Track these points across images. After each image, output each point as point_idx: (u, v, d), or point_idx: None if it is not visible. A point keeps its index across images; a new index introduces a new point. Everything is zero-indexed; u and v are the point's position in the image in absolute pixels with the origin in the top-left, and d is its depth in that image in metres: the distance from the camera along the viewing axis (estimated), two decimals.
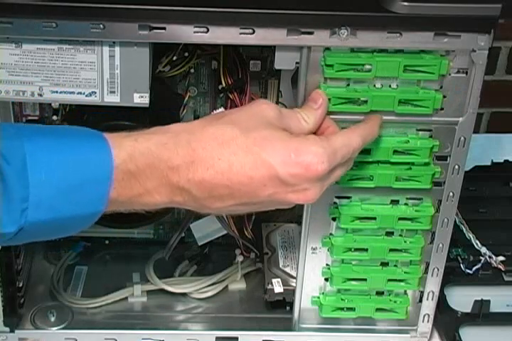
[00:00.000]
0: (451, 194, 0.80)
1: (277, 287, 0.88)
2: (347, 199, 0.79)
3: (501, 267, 0.95)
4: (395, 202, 0.80)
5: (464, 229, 0.97)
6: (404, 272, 0.83)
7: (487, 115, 1.55)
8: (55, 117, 0.89)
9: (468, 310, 0.90)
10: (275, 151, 0.65)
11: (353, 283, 0.83)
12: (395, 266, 0.83)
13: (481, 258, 0.95)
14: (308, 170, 0.65)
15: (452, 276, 0.93)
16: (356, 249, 0.81)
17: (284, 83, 0.88)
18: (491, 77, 1.47)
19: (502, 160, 1.11)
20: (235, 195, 0.65)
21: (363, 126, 0.73)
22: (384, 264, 0.82)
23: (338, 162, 0.68)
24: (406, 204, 0.80)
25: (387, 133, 0.76)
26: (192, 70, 0.88)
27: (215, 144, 0.65)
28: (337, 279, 0.83)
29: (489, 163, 1.10)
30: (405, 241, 0.81)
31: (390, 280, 0.83)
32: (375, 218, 0.79)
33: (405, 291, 0.85)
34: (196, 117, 0.91)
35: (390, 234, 0.81)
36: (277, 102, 0.90)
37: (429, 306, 0.86)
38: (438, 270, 0.84)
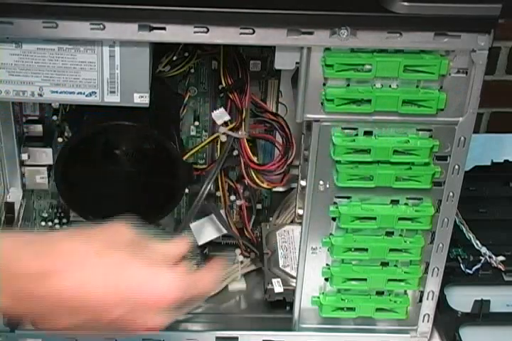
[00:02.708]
0: (451, 194, 0.80)
1: (277, 287, 0.88)
2: (347, 199, 0.79)
3: (501, 267, 0.95)
4: (395, 202, 0.80)
5: (464, 229, 0.97)
6: (404, 272, 0.83)
7: (487, 115, 1.55)
8: (55, 117, 0.89)
9: (468, 310, 0.90)
10: (128, 277, 0.65)
11: (353, 283, 0.83)
12: (395, 266, 0.83)
13: (481, 258, 0.95)
14: (155, 301, 0.66)
15: (452, 276, 0.93)
16: (356, 249, 0.81)
17: (284, 83, 0.88)
18: (491, 77, 1.47)
19: (502, 160, 1.11)
20: (81, 312, 0.65)
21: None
22: (384, 264, 0.82)
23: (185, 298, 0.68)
24: (406, 204, 0.80)
25: (387, 133, 0.76)
26: (192, 70, 0.88)
27: (68, 259, 0.65)
28: (337, 279, 0.83)
29: (489, 163, 1.10)
30: (405, 241, 0.81)
31: (390, 280, 0.83)
32: (375, 218, 0.79)
33: (405, 291, 0.85)
34: (196, 117, 0.91)
35: (390, 234, 0.81)
36: (277, 102, 0.90)
37: (429, 306, 0.86)
38: (438, 270, 0.84)
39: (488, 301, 0.89)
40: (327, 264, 0.83)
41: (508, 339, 0.89)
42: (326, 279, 0.84)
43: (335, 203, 0.79)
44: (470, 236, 0.96)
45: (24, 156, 0.88)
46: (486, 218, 1.02)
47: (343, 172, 0.77)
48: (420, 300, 0.86)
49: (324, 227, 0.81)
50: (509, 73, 1.50)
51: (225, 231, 0.91)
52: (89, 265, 0.65)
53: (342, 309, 0.85)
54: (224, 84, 0.83)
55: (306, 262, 0.83)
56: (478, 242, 0.96)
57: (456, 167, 0.78)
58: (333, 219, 0.80)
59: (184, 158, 0.85)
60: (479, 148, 1.13)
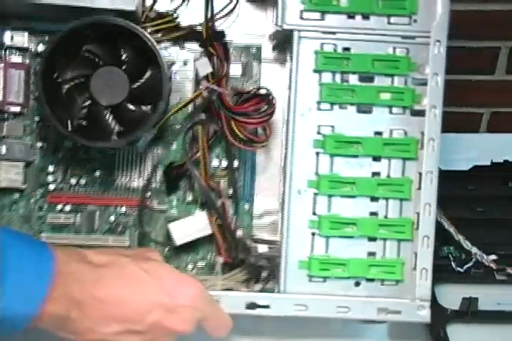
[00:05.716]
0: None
1: (262, 247, 0.85)
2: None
3: (493, 266, 0.95)
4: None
5: (453, 232, 0.96)
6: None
7: (487, 115, 1.55)
8: None
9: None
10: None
11: (343, 230, 0.81)
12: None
13: (473, 256, 0.95)
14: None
15: (443, 274, 0.93)
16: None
17: None
18: (491, 77, 1.47)
19: (502, 160, 1.11)
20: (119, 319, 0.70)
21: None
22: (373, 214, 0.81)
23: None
24: None
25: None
26: None
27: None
28: (325, 223, 0.80)
29: (489, 163, 1.10)
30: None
31: (380, 225, 0.81)
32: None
33: (399, 253, 0.82)
34: None
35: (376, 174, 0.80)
36: None
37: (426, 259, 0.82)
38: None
39: (476, 299, 0.90)
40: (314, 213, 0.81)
41: (495, 336, 0.90)
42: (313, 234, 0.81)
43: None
44: (459, 237, 0.96)
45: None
46: (484, 217, 1.02)
47: None
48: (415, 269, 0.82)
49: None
50: (509, 73, 1.49)
51: (206, 233, 0.88)
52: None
53: (332, 268, 0.81)
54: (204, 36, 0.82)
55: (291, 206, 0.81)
56: (468, 243, 0.95)
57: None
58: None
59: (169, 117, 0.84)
60: (479, 148, 1.13)
